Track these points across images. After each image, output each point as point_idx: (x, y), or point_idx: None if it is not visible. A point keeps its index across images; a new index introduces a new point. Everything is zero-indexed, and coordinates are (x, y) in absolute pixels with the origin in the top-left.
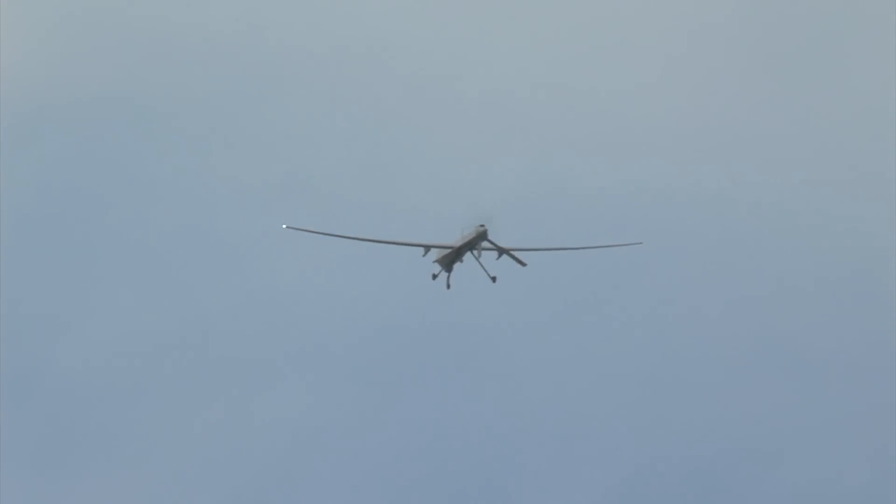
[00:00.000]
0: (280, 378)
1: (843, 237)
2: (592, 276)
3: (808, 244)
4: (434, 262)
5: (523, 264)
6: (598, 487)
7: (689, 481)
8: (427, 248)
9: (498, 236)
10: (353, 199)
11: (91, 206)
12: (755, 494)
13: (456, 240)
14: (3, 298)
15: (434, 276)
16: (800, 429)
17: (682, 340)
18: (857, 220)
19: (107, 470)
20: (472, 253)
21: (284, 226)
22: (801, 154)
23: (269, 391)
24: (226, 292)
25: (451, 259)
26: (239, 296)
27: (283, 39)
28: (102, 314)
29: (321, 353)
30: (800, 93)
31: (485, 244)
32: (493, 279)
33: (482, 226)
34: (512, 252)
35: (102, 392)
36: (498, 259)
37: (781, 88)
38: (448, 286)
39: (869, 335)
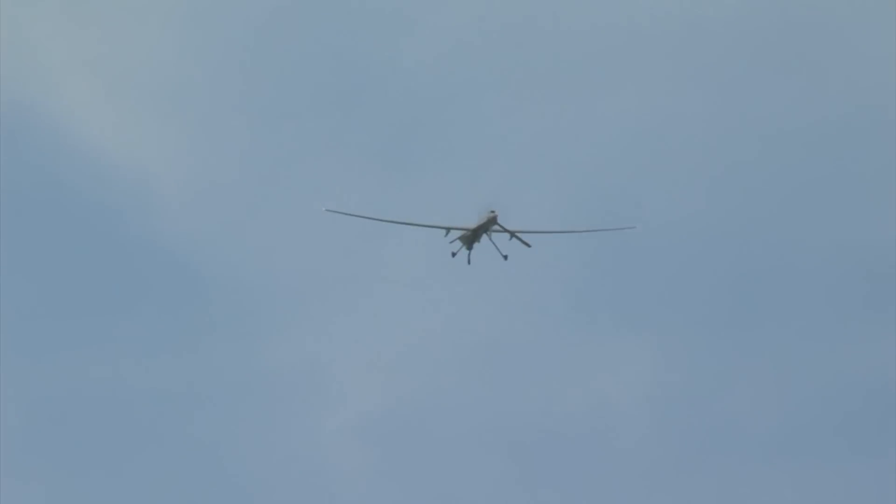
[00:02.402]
0: None
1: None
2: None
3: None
4: (451, 242)
5: (528, 245)
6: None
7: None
8: (448, 229)
9: (507, 220)
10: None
11: None
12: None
13: (472, 223)
14: None
15: (453, 254)
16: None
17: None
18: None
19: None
20: (486, 234)
21: (324, 209)
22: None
23: None
24: None
25: (469, 239)
26: None
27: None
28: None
29: None
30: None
31: (496, 227)
32: (505, 257)
33: (493, 211)
34: (518, 234)
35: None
36: (510, 240)
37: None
38: (469, 262)
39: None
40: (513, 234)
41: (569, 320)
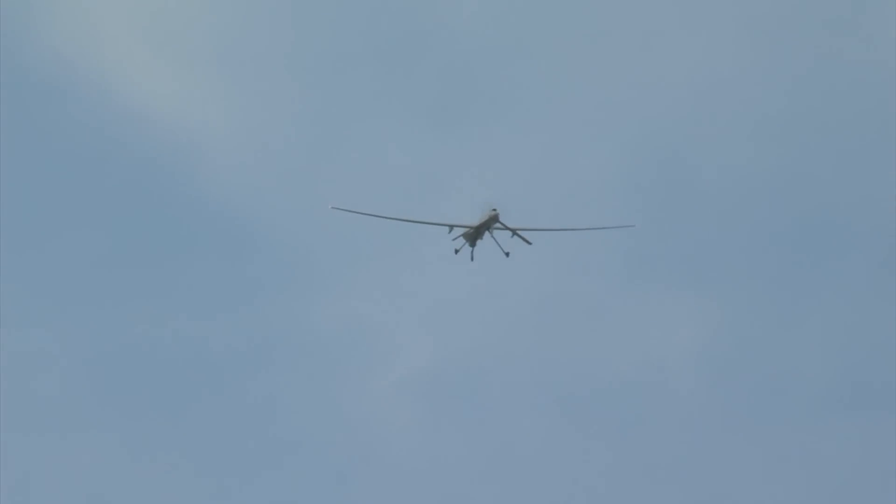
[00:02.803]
0: None
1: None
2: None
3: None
4: (454, 239)
5: (529, 243)
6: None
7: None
8: (451, 227)
9: (508, 218)
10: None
11: None
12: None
13: (475, 221)
14: None
15: (456, 251)
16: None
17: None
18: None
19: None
20: (488, 232)
21: (330, 206)
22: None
23: None
24: None
25: (472, 236)
26: None
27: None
28: None
29: None
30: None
31: (497, 225)
32: (507, 254)
33: (494, 210)
34: (519, 232)
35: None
36: (512, 237)
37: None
38: (472, 258)
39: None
40: (514, 232)
41: (619, 280)
